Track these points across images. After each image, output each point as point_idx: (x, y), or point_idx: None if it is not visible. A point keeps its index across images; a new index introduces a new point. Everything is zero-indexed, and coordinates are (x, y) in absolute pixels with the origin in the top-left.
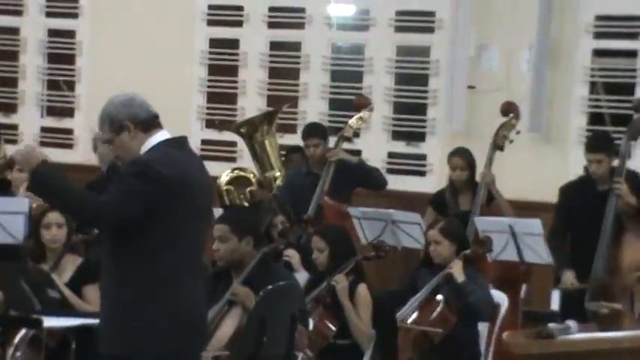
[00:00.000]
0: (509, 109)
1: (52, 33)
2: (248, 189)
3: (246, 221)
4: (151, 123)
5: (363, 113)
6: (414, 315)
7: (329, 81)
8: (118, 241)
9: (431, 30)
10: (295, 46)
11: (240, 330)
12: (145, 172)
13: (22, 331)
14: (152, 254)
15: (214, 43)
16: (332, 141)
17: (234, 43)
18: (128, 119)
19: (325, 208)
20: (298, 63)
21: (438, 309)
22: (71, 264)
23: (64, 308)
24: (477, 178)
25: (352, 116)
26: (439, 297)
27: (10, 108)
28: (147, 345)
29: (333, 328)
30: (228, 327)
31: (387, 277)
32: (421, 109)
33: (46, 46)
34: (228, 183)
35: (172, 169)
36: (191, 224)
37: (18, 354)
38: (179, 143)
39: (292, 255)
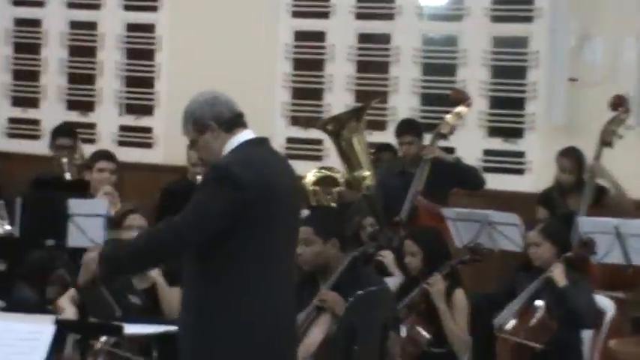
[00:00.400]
0: (618, 102)
1: (131, 27)
2: (335, 189)
3: (331, 222)
4: (235, 122)
5: (461, 108)
6: (512, 322)
7: (420, 75)
8: (200, 250)
9: (529, 19)
10: (384, 39)
11: (329, 338)
12: (224, 177)
13: (103, 339)
14: (236, 261)
15: (299, 35)
16: (426, 138)
17: (320, 36)
18: (212, 119)
19: (419, 210)
20: (388, 56)
21: (538, 315)
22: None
23: (145, 314)
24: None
25: (445, 112)
26: (539, 303)
27: (88, 106)
28: (231, 357)
29: (427, 335)
30: (315, 335)
31: (483, 281)
32: (519, 103)
33: (124, 41)
34: (315, 183)
35: (253, 172)
36: (276, 228)
37: None
38: (261, 143)
39: (386, 255)
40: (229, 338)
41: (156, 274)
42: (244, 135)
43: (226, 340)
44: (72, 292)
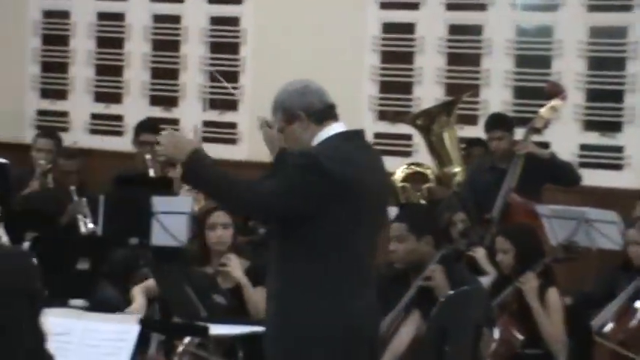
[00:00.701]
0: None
1: (215, 21)
2: (425, 186)
3: (424, 219)
4: (326, 114)
5: (556, 102)
6: (610, 325)
7: (513, 67)
8: (283, 241)
9: (628, 8)
10: (476, 30)
11: (419, 339)
12: (311, 166)
13: (187, 339)
14: (317, 255)
15: (388, 27)
16: (518, 133)
17: (409, 28)
18: (301, 109)
19: (512, 206)
20: (480, 48)
21: (638, 317)
22: (240, 266)
23: (231, 315)
24: None
25: (539, 105)
26: (638, 304)
27: (171, 101)
28: (311, 354)
29: (520, 337)
30: (405, 335)
31: (580, 281)
32: (617, 96)
33: (208, 34)
34: (404, 179)
35: (341, 166)
36: (360, 225)
37: None
38: (353, 137)
39: (478, 251)
40: (305, 331)
41: (239, 274)
42: (335, 127)
43: (303, 333)
44: (149, 282)
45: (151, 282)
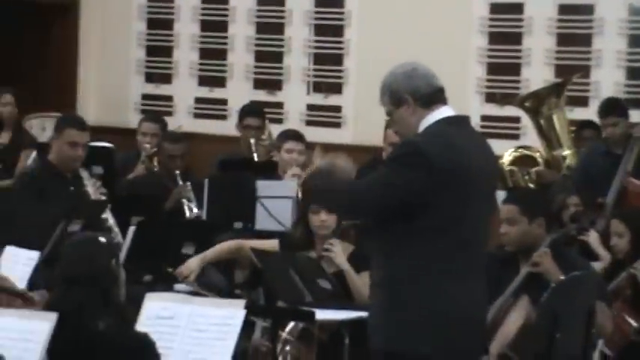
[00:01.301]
0: None
1: (320, 3)
2: (534, 169)
3: (537, 201)
4: (433, 98)
5: None
6: None
7: (626, 47)
8: (387, 227)
9: None
10: (587, 9)
11: (529, 325)
12: (412, 154)
13: (292, 324)
14: (422, 241)
15: (495, 8)
16: (633, 115)
17: (517, 8)
18: (408, 92)
19: (628, 191)
20: (591, 28)
21: None
22: (343, 251)
23: (336, 300)
24: None
25: None
26: None
27: (275, 85)
28: (418, 342)
29: (635, 323)
30: (514, 320)
31: None
32: None
33: (313, 17)
34: (512, 163)
35: (443, 152)
36: (466, 210)
37: (288, 348)
38: (459, 122)
39: (591, 235)
40: (411, 319)
41: (342, 260)
42: (442, 112)
43: (409, 321)
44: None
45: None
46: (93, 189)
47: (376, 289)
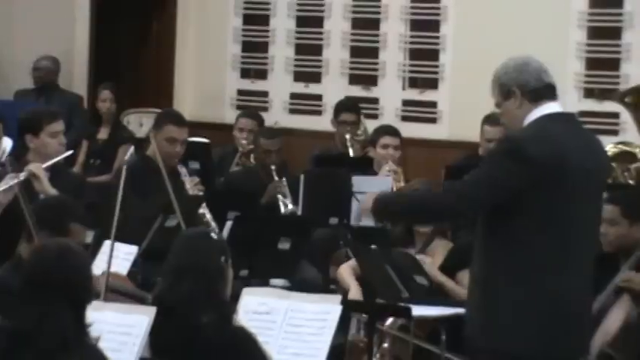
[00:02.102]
0: None
1: None
2: (633, 165)
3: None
4: (541, 93)
5: None
6: None
7: None
8: (487, 225)
9: None
10: None
11: (629, 323)
12: (513, 151)
13: (389, 320)
14: (522, 240)
15: (595, 2)
16: None
17: (617, 2)
18: (517, 85)
19: None
20: None
21: None
22: (442, 249)
23: (433, 296)
24: None
25: None
26: None
27: (370, 80)
28: (519, 340)
29: None
30: (615, 318)
31: None
32: None
33: (408, 12)
34: (611, 159)
35: (547, 148)
36: (569, 208)
37: (384, 344)
38: (564, 119)
39: None
40: (512, 317)
41: (435, 272)
42: (548, 108)
43: (510, 319)
44: (353, 263)
45: (353, 262)
46: (190, 185)
47: (476, 287)
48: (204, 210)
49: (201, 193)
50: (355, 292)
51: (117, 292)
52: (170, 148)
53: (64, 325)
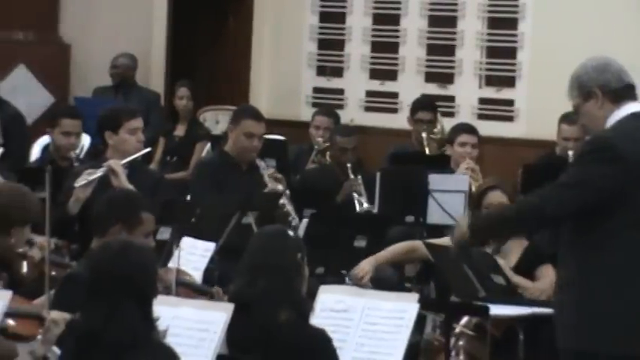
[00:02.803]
0: None
1: None
2: None
3: None
4: (622, 93)
5: None
6: None
7: None
8: (577, 226)
9: None
10: None
11: None
12: (603, 149)
13: (465, 319)
14: (615, 238)
15: None
16: None
17: None
18: (597, 86)
19: None
20: None
21: None
22: (517, 247)
23: (510, 295)
24: None
25: None
26: None
27: (447, 78)
28: (611, 342)
29: None
30: None
31: None
32: None
33: (485, 9)
34: None
35: (635, 146)
36: None
37: (461, 343)
38: None
39: None
40: (606, 318)
41: (510, 273)
42: (630, 108)
43: (603, 322)
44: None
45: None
46: (269, 179)
47: (566, 288)
48: (284, 201)
49: (280, 187)
50: (365, 263)
51: (187, 287)
52: (248, 143)
53: (132, 321)
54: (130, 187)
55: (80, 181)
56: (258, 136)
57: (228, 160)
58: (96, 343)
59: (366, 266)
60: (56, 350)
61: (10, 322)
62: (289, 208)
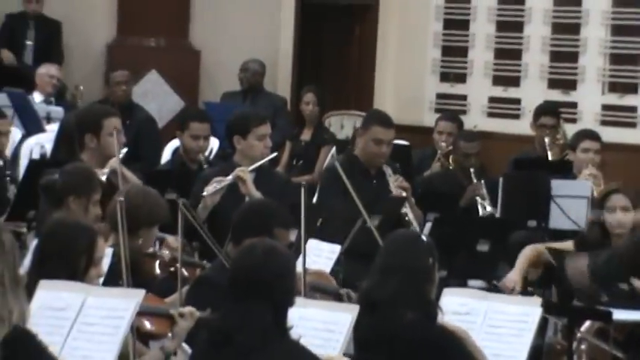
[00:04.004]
0: None
1: (618, 3)
2: None
3: None
4: None
5: None
6: None
7: None
8: None
9: None
10: None
11: None
12: None
13: (587, 323)
14: None
15: None
16: None
17: None
18: None
19: None
20: None
21: None
22: None
23: (633, 300)
24: None
25: None
26: None
27: (569, 84)
28: None
29: None
30: None
31: None
32: None
33: (609, 17)
34: None
35: None
36: None
37: (583, 347)
38: None
39: None
40: None
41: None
42: None
43: None
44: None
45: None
46: (394, 184)
47: None
48: (406, 209)
49: (404, 194)
50: (513, 276)
51: (317, 289)
52: (376, 149)
53: (265, 326)
54: (258, 194)
55: (209, 190)
56: (387, 143)
57: (357, 164)
58: (229, 341)
59: (515, 277)
60: (186, 347)
61: (143, 320)
62: (410, 216)
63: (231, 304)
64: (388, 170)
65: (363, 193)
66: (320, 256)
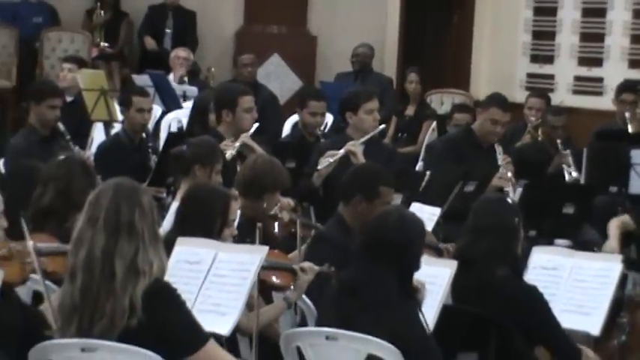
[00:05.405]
0: None
1: None
2: None
3: None
4: None
5: None
6: None
7: None
8: None
9: None
10: None
11: None
12: None
13: None
14: None
15: None
16: None
17: None
18: None
19: None
20: None
21: None
22: None
23: None
24: None
25: None
26: None
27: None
28: None
29: None
30: None
31: None
32: None
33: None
34: None
35: None
36: None
37: None
38: None
39: None
40: None
41: None
42: None
43: None
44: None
45: (626, 217)
46: (502, 163)
47: None
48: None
49: (509, 174)
50: (611, 244)
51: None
52: (491, 128)
53: (390, 285)
54: None
55: (323, 163)
56: (502, 124)
57: (473, 137)
58: (354, 295)
59: (614, 244)
60: (305, 299)
61: (270, 274)
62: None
63: (361, 264)
64: (499, 149)
65: (473, 164)
66: (422, 217)
